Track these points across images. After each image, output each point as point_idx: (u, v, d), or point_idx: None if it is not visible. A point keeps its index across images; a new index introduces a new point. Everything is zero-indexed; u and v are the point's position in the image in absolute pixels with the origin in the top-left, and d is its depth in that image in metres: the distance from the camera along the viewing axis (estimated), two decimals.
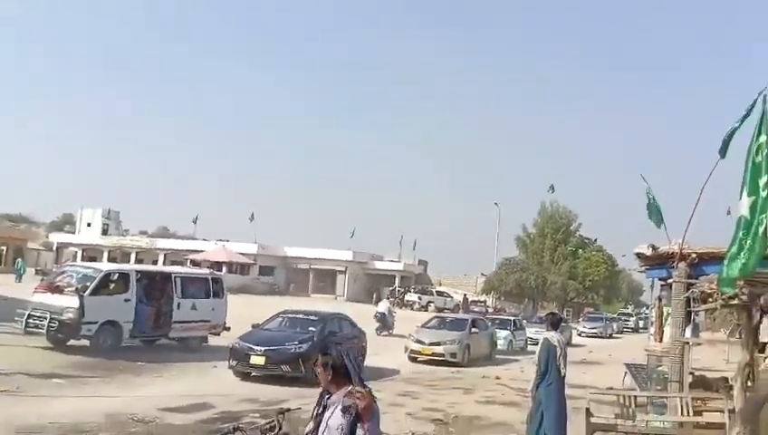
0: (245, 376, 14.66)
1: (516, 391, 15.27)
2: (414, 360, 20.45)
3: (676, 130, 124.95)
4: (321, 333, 14.98)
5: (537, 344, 27.53)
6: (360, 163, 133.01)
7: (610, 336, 44.09)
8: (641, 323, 55.07)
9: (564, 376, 9.16)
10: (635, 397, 10.87)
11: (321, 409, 3.87)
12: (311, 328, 15.49)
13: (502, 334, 25.86)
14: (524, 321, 33.57)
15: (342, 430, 3.67)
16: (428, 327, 22.45)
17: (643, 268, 11.67)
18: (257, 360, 14.29)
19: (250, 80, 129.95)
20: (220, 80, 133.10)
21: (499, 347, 24.68)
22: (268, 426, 5.48)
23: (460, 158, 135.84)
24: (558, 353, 9.04)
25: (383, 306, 30.18)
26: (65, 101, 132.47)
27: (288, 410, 5.94)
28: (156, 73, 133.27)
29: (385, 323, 28.78)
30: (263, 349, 14.35)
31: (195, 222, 74.05)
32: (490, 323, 25.74)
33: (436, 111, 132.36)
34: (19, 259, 46.68)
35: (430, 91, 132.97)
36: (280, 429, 5.43)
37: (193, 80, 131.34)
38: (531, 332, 29.48)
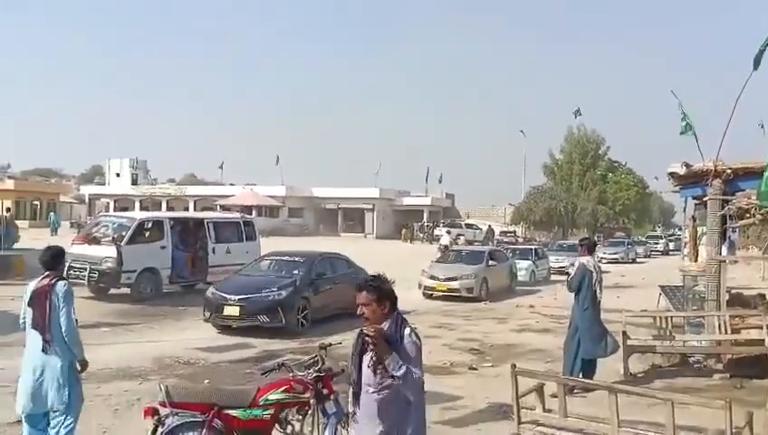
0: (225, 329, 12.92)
1: (551, 318, 15.40)
2: (429, 296, 19.35)
3: (704, 45, 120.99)
4: (307, 276, 13.75)
5: (563, 273, 26.53)
6: (383, 100, 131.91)
7: (633, 261, 41.43)
8: (671, 246, 53.97)
9: (600, 301, 9.16)
10: (671, 318, 10.91)
11: (360, 347, 3.80)
12: (295, 271, 13.94)
13: (523, 265, 24.69)
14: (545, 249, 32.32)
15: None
16: (443, 262, 21.57)
17: (677, 188, 11.50)
18: (231, 310, 12.69)
19: (275, 23, 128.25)
20: (242, 25, 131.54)
21: (520, 279, 23.63)
22: (311, 361, 5.62)
23: (484, 88, 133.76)
24: (594, 278, 9.00)
25: (446, 239, 30.38)
26: (87, 54, 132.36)
27: (330, 344, 6.08)
28: (178, 22, 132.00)
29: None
30: (236, 298, 12.74)
31: (221, 168, 74.74)
32: (510, 254, 24.95)
33: (460, 42, 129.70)
34: (52, 213, 47.55)
35: (452, 22, 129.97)
36: (323, 363, 5.56)
37: (215, 26, 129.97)
38: (552, 260, 28.63)
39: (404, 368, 3.59)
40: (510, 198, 67.11)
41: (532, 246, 29.89)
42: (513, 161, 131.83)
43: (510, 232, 55.92)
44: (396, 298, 3.82)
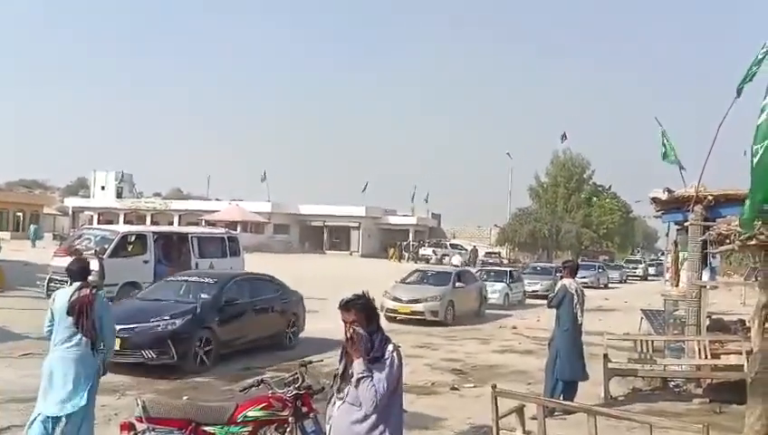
0: None
1: (533, 340, 15.42)
2: (392, 319, 17.67)
3: (689, 73, 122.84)
4: (214, 302, 11.51)
5: (537, 296, 26.02)
6: (370, 118, 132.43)
7: (605, 286, 38.36)
8: (652, 271, 53.45)
9: (581, 324, 9.19)
10: (652, 341, 10.97)
11: (342, 366, 3.85)
12: (202, 295, 11.73)
13: (496, 287, 23.76)
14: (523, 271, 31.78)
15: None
16: (408, 283, 20.13)
17: (659, 213, 11.64)
18: None
19: (262, 36, 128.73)
20: (230, 37, 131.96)
21: (493, 301, 22.72)
22: (291, 378, 5.58)
23: (472, 109, 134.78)
24: (575, 301, 9.04)
25: (457, 259, 30.70)
26: (74, 66, 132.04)
27: (310, 362, 6.03)
28: (165, 36, 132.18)
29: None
30: (118, 328, 9.61)
31: (208, 183, 74.56)
32: (483, 276, 24.42)
33: (447, 60, 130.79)
34: (32, 225, 46.83)
35: (441, 38, 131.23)
36: (303, 381, 5.53)
37: (202, 38, 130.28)
38: (525, 283, 27.77)
39: (365, 375, 3.65)
40: (496, 220, 67.54)
41: (507, 269, 29.24)
42: (499, 183, 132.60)
43: (495, 253, 56.11)
44: (379, 316, 3.89)
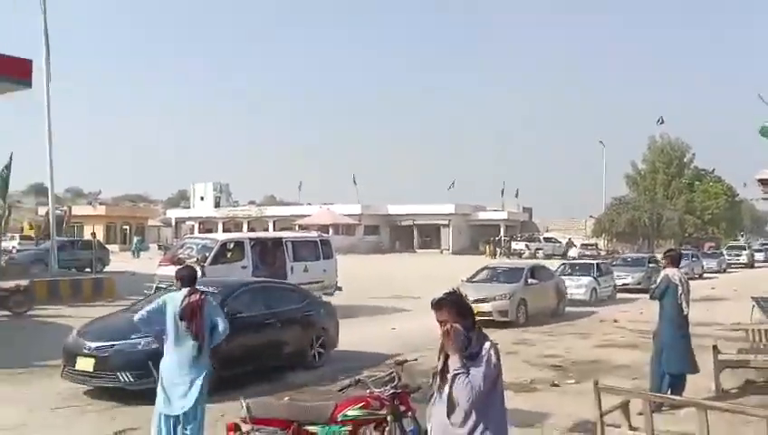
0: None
1: (637, 333, 14.86)
2: None
3: None
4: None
5: (629, 290, 24.28)
6: (456, 114, 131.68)
7: (700, 277, 33.38)
8: (760, 256, 50.26)
9: (687, 314, 8.78)
10: (766, 331, 10.33)
11: (440, 363, 3.79)
12: None
13: (582, 282, 22.16)
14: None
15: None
16: (475, 281, 18.44)
17: (767, 195, 10.94)
18: (85, 363, 8.97)
19: (346, 44, 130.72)
20: (315, 47, 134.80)
21: (579, 298, 21.27)
22: (388, 377, 5.61)
23: (561, 98, 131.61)
24: (679, 291, 8.65)
25: (574, 252, 30.15)
26: (167, 86, 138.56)
27: (406, 361, 6.05)
28: (251, 45, 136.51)
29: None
30: (94, 346, 9.07)
31: (299, 188, 76.38)
32: (567, 270, 23.33)
33: (536, 51, 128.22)
34: (136, 237, 49.07)
35: (529, 28, 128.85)
36: (399, 380, 5.55)
37: (290, 50, 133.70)
38: (617, 276, 25.79)
39: (461, 371, 3.60)
40: (590, 211, 65.56)
41: (594, 261, 26.94)
42: (592, 173, 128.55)
43: (591, 245, 54.43)
44: (474, 313, 3.82)
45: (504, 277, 18.38)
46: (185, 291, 6.36)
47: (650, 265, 28.62)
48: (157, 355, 7.88)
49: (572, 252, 44.01)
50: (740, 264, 46.20)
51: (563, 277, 21.56)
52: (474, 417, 3.69)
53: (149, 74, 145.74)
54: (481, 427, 3.69)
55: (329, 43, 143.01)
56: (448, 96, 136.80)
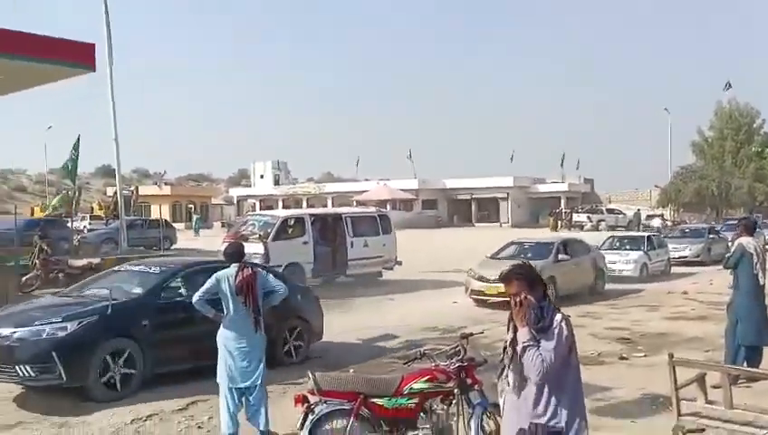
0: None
1: (708, 304, 14.41)
2: (481, 303, 14.96)
3: None
4: (147, 300, 8.47)
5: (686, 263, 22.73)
6: (513, 86, 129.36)
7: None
8: None
9: (764, 285, 8.42)
10: None
11: (510, 336, 3.72)
12: (134, 290, 8.73)
13: (631, 257, 20.51)
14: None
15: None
16: (499, 257, 16.38)
17: None
18: None
19: (407, 15, 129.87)
20: (375, 17, 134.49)
21: (628, 274, 19.95)
22: (453, 351, 5.58)
23: (622, 64, 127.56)
24: (754, 260, 8.30)
25: (658, 222, 29.16)
26: (224, 66, 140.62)
27: (471, 334, 6.02)
28: (308, 19, 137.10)
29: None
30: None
31: (357, 164, 76.70)
32: (616, 243, 21.81)
33: (592, 14, 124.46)
34: (195, 215, 49.76)
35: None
36: (465, 353, 5.51)
37: (345, 23, 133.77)
38: (671, 249, 23.88)
39: (530, 344, 3.55)
40: (655, 181, 63.57)
41: (646, 234, 24.47)
42: (656, 142, 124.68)
43: (657, 215, 52.83)
44: (545, 285, 3.75)
45: (531, 253, 16.26)
46: (235, 267, 6.47)
47: (710, 236, 27.11)
48: (62, 345, 7.42)
49: (655, 222, 43.06)
50: None
51: (611, 251, 20.55)
52: (546, 391, 3.61)
53: (209, 56, 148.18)
54: (554, 401, 3.61)
55: (386, 19, 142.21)
56: (505, 67, 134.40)
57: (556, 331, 3.57)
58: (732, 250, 8.66)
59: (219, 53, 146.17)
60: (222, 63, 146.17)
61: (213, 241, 24.97)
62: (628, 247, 21.47)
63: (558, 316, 3.63)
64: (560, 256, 16.17)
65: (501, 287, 12.76)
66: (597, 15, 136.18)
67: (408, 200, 60.09)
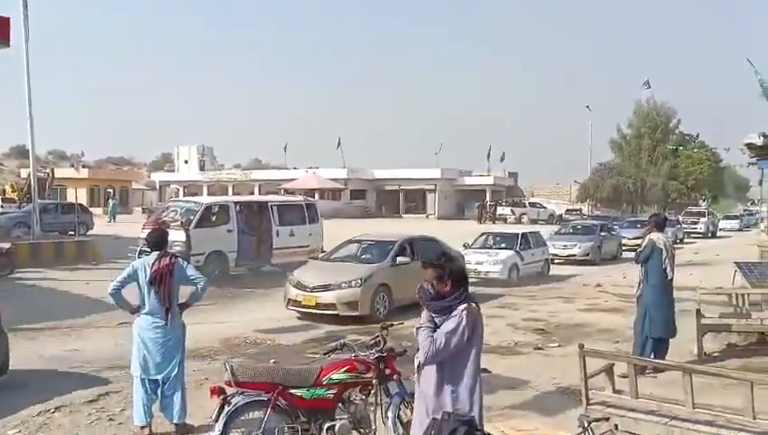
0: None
1: (619, 297, 15.00)
2: (303, 314, 12.59)
3: None
4: None
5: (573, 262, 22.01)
6: (442, 78, 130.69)
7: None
8: (727, 224, 48.93)
9: (671, 279, 8.83)
10: (748, 295, 10.44)
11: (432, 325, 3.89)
12: None
13: (499, 257, 18.15)
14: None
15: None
16: (332, 259, 14.15)
17: (753, 159, 10.97)
18: None
19: (333, 5, 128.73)
20: (303, 6, 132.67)
21: (495, 275, 17.66)
22: (373, 341, 5.62)
23: (548, 63, 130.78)
24: (664, 255, 8.68)
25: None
26: (152, 46, 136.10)
27: (391, 324, 6.07)
28: (235, 11, 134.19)
29: None
30: None
31: (285, 151, 75.84)
32: (489, 241, 19.75)
33: (520, 14, 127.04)
34: (111, 200, 47.44)
35: None
36: (385, 343, 5.55)
37: (274, 8, 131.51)
38: (559, 247, 23.19)
39: (424, 325, 3.84)
40: (575, 176, 65.72)
41: (521, 231, 20.91)
42: (578, 138, 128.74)
43: (576, 210, 54.68)
44: (463, 277, 3.97)
45: (369, 254, 13.96)
46: (155, 255, 6.29)
47: (602, 233, 25.49)
48: None
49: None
50: (697, 233, 40.34)
51: (481, 251, 18.77)
52: (443, 377, 3.82)
53: (134, 34, 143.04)
54: (450, 386, 3.80)
55: (315, 6, 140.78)
56: (434, 60, 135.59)
57: (455, 318, 3.78)
58: (643, 246, 9.02)
59: (144, 33, 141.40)
60: (147, 44, 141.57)
61: (131, 227, 24.18)
62: (498, 246, 19.31)
63: (463, 305, 3.82)
64: (399, 259, 13.25)
65: (320, 298, 12.21)
66: (525, 13, 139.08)
67: (336, 190, 59.92)
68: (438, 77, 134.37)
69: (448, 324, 3.77)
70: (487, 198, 60.12)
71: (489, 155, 67.26)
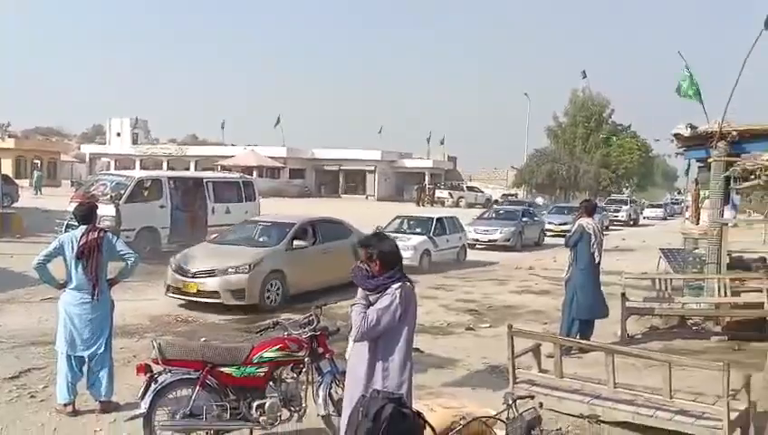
0: None
1: (550, 280, 15.39)
2: (184, 301, 11.44)
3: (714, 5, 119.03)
4: None
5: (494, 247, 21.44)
6: (384, 61, 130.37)
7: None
8: (652, 213, 49.63)
9: (599, 263, 9.11)
10: (671, 280, 10.89)
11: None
12: None
13: (411, 243, 16.72)
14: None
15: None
16: (224, 242, 13.00)
17: (681, 150, 11.37)
18: None
19: None
20: None
21: (405, 262, 10.88)
22: (306, 320, 5.60)
23: (488, 50, 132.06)
24: (592, 240, 8.94)
25: (540, 200, 27.96)
26: (87, 13, 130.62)
27: (325, 304, 6.06)
28: None
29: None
30: None
31: (222, 128, 74.41)
32: (404, 226, 18.66)
33: (464, 2, 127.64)
34: (36, 171, 45.11)
35: None
36: (318, 322, 5.54)
37: None
38: (473, 232, 22.44)
39: (357, 302, 3.94)
40: (513, 162, 66.93)
41: (436, 215, 19.44)
42: (516, 125, 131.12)
43: (512, 195, 55.75)
44: (394, 257, 4.07)
45: (264, 236, 12.93)
46: (83, 229, 6.10)
47: (524, 219, 24.98)
48: None
49: (539, 200, 40.18)
50: (619, 221, 39.53)
51: (394, 235, 14.43)
52: (374, 354, 3.90)
53: (64, 3, 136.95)
54: (381, 364, 3.88)
55: None
56: (377, 44, 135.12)
57: (388, 296, 3.87)
58: (572, 230, 9.27)
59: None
60: (83, 7, 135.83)
61: (59, 201, 23.31)
62: (411, 231, 18.25)
63: (396, 284, 3.91)
64: (296, 243, 12.32)
65: (201, 284, 10.97)
66: (467, 1, 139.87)
67: (275, 168, 59.23)
68: (381, 61, 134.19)
69: (382, 301, 3.85)
70: (426, 181, 60.64)
71: (429, 139, 67.85)
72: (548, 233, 27.47)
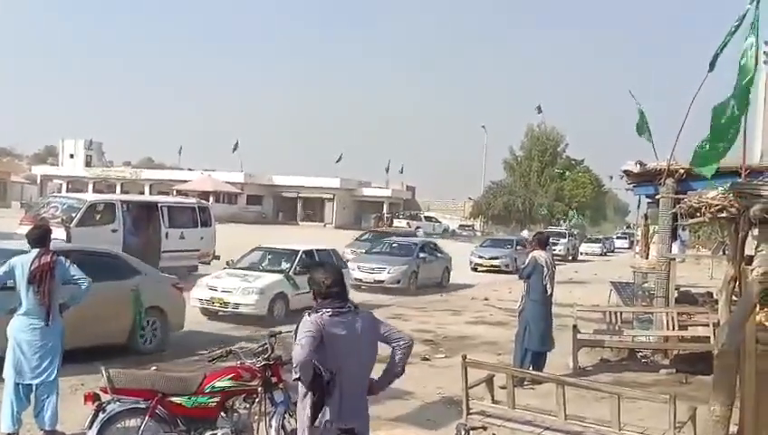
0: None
1: (504, 311, 15.54)
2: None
3: (665, 47, 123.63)
4: None
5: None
6: (345, 89, 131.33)
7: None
8: (587, 248, 44.46)
9: (551, 295, 9.26)
10: (621, 313, 11.12)
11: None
12: None
13: (257, 284, 12.93)
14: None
15: None
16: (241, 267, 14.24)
17: (631, 186, 11.70)
18: None
19: (235, 6, 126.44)
20: (198, 9, 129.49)
21: (248, 310, 12.71)
22: (261, 349, 5.53)
23: (447, 82, 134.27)
24: (545, 272, 9.10)
25: (525, 233, 28.81)
26: (43, 32, 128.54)
27: (279, 332, 5.99)
28: (135, 4, 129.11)
29: None
30: None
31: (179, 152, 73.60)
32: (242, 261, 14.59)
33: (421, 32, 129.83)
34: None
35: (413, 9, 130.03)
36: (272, 351, 5.48)
37: (172, 5, 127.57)
38: (361, 270, 18.82)
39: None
40: (470, 193, 67.77)
41: (301, 248, 14.83)
42: (474, 157, 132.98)
43: (468, 226, 56.40)
44: (319, 288, 4.00)
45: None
46: (35, 252, 5.97)
47: (422, 254, 20.45)
48: None
49: (524, 233, 36.85)
50: (556, 256, 32.26)
51: (234, 275, 13.54)
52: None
53: (21, 18, 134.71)
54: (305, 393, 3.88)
55: (216, 9, 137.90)
56: (336, 71, 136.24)
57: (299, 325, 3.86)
58: (526, 262, 9.43)
59: (35, 17, 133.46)
60: (37, 26, 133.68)
61: (8, 223, 22.64)
62: (264, 269, 14.14)
63: (306, 314, 3.90)
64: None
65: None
66: (426, 32, 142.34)
67: (232, 194, 58.74)
68: (340, 88, 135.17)
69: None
70: (385, 210, 60.91)
71: (388, 168, 68.30)
72: (478, 268, 25.89)
